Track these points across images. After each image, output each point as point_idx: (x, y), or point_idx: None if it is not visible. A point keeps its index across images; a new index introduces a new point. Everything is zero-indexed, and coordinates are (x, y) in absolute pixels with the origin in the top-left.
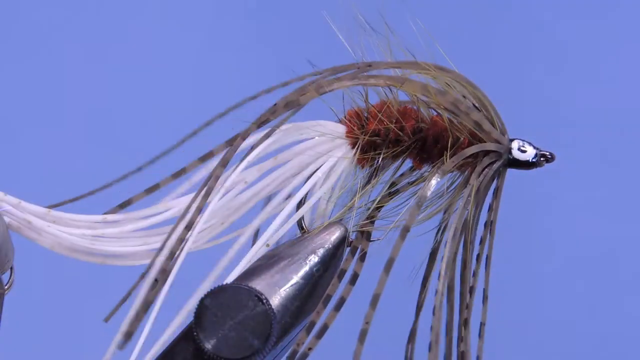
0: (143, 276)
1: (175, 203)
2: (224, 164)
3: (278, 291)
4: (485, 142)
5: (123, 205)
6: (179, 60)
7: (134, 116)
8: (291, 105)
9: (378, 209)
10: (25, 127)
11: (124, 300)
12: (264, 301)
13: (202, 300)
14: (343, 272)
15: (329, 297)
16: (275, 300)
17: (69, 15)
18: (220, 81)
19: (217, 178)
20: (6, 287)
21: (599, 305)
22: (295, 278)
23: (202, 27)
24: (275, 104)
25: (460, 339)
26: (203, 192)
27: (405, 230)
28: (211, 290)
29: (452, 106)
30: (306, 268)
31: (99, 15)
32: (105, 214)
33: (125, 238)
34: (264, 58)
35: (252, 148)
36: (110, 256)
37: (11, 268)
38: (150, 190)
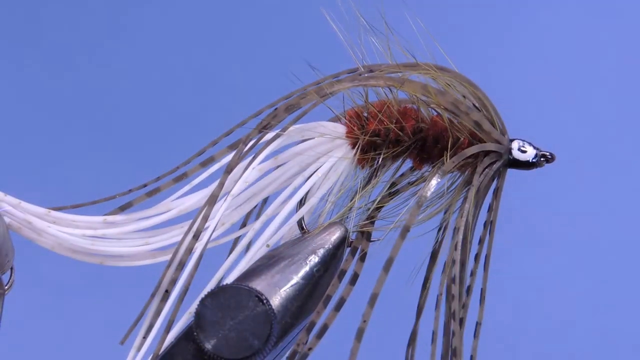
0: (154, 295)
1: (175, 204)
2: (229, 171)
3: (278, 291)
4: (485, 142)
5: (124, 208)
6: (179, 60)
7: (134, 116)
8: (292, 110)
9: (378, 209)
10: (25, 127)
11: (138, 319)
12: (264, 301)
13: (202, 301)
14: (343, 272)
15: (329, 298)
16: (276, 301)
17: (69, 14)
18: (219, 80)
19: (222, 185)
20: (6, 287)
21: (598, 305)
22: (296, 278)
23: (202, 27)
24: (276, 109)
25: (453, 335)
26: (209, 200)
27: (406, 230)
28: (211, 290)
29: (452, 106)
30: (306, 268)
31: (95, 15)
32: (106, 215)
33: (125, 239)
34: (263, 57)
35: (256, 155)
36: (110, 257)
37: (11, 268)
38: (151, 193)
